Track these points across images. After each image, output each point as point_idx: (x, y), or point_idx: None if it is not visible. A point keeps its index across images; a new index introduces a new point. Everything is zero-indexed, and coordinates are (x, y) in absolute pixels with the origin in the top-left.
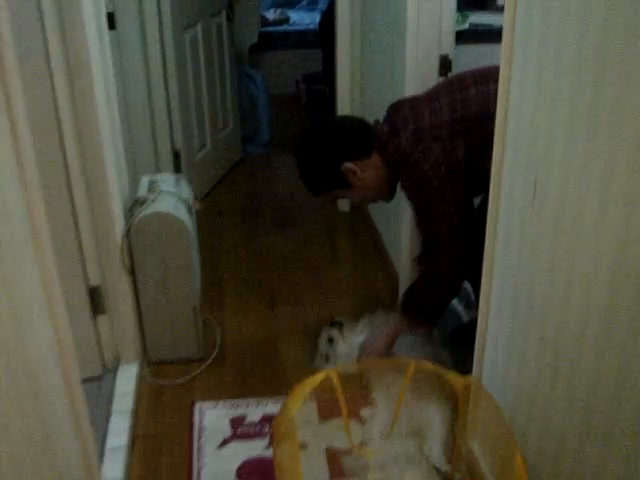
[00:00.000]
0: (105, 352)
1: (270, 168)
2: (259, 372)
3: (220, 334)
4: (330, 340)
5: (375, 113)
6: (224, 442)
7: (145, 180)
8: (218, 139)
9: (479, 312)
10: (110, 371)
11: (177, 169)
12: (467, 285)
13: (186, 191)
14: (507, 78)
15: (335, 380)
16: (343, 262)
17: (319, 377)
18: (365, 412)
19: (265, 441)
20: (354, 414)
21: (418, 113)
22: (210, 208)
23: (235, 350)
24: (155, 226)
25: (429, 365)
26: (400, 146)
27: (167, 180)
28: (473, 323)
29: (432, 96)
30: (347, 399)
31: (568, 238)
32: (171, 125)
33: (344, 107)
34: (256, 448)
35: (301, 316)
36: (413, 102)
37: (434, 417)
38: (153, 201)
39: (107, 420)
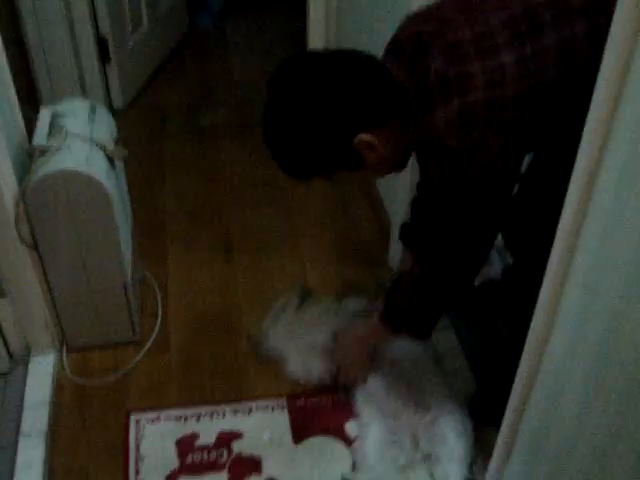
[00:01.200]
0: (10, 342)
1: (224, 46)
2: (214, 362)
3: (162, 303)
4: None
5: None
6: (169, 479)
7: (45, 115)
8: (157, 13)
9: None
10: (19, 364)
11: (104, 61)
12: None
13: (104, 128)
14: None
15: None
16: (316, 190)
17: None
18: (351, 426)
19: (223, 476)
20: (337, 431)
21: (465, 73)
22: (149, 109)
23: (182, 327)
24: (60, 189)
25: None
26: (436, 128)
27: (77, 112)
28: (487, 286)
29: (482, 35)
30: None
31: None
32: (93, 3)
33: None
34: None
35: (266, 271)
36: (449, 38)
37: (448, 433)
38: (57, 151)
39: (15, 444)
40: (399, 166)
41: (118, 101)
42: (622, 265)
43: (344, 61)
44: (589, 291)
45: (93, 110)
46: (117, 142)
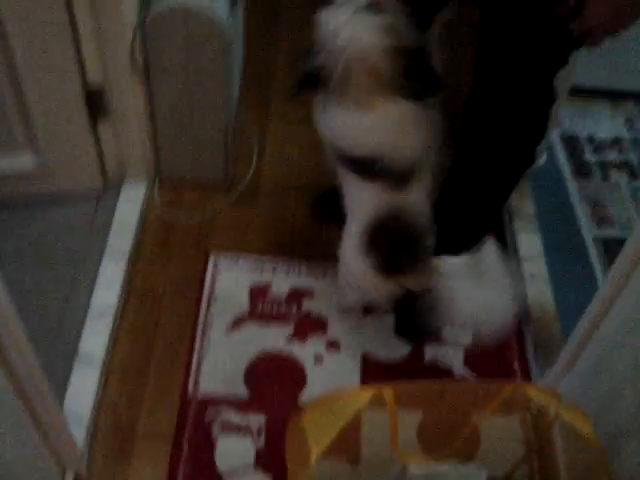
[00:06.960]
0: (107, 164)
1: None
2: (299, 221)
3: (257, 157)
4: None
5: None
6: (237, 322)
7: None
8: None
9: None
10: (112, 188)
11: None
12: None
13: None
14: None
15: (389, 398)
16: None
17: (363, 396)
18: None
19: (289, 329)
20: None
21: None
22: None
23: (272, 184)
24: (180, 25)
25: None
26: None
27: None
28: None
29: None
30: None
31: None
32: None
33: None
34: (277, 339)
35: None
36: None
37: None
38: None
39: (98, 262)
40: None
41: None
42: None
43: None
44: None
45: None
46: None
